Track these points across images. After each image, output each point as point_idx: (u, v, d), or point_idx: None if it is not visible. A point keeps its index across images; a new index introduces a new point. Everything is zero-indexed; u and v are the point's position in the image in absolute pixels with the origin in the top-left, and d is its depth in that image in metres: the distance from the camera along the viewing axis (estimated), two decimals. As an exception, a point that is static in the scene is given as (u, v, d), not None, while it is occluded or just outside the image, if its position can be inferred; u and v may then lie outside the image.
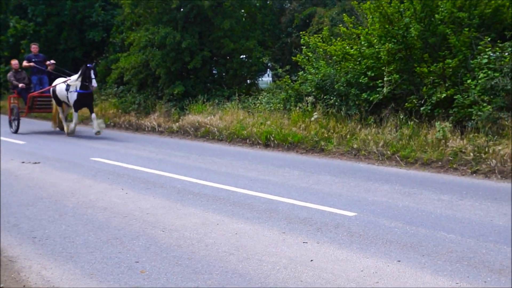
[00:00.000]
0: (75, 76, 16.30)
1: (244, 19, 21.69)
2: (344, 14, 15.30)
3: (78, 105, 16.46)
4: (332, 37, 15.35)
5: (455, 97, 11.40)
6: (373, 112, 13.11)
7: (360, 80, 13.17)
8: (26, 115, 18.78)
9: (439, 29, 12.10)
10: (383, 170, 10.54)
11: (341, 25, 15.77)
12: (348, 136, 12.62)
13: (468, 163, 10.06)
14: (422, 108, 12.00)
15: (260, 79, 24.78)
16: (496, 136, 10.36)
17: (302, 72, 15.35)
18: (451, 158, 10.35)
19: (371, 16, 13.56)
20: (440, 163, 10.45)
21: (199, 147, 13.88)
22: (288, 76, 15.68)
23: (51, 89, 17.43)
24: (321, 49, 14.96)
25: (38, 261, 5.65)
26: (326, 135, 12.98)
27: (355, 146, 12.09)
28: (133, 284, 4.97)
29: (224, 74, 20.62)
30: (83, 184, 9.39)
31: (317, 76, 14.21)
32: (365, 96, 12.99)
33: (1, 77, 28.15)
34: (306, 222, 6.80)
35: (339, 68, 13.94)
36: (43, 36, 26.13)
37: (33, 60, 18.37)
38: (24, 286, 5.04)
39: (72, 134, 16.88)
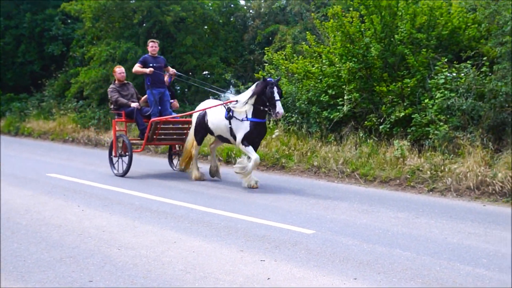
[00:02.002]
0: (242, 97, 10.69)
1: (207, 36, 21.80)
2: (307, 32, 15.45)
3: (250, 139, 10.38)
4: (294, 54, 15.48)
5: (413, 116, 11.58)
6: (333, 130, 13.22)
7: (321, 98, 13.28)
8: (143, 149, 12.75)
9: (399, 49, 12.31)
10: (342, 187, 10.61)
11: (304, 42, 15.90)
12: (308, 154, 12.67)
13: (425, 181, 10.20)
14: (381, 127, 12.14)
15: (222, 95, 24.82)
16: (452, 155, 10.54)
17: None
18: (408, 176, 10.48)
19: (333, 35, 13.73)
20: (398, 181, 10.58)
21: (159, 164, 13.74)
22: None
23: (196, 114, 11.35)
24: (283, 67, 15.06)
25: (-13, 280, 5.48)
26: (287, 152, 13.01)
27: (315, 163, 12.14)
28: (85, 304, 4.87)
29: (186, 90, 20.60)
30: (38, 201, 9.18)
31: (278, 93, 14.25)
32: (326, 114, 13.10)
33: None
34: (264, 240, 6.77)
35: (300, 86, 14.03)
36: (1, 49, 25.72)
37: (151, 65, 11.84)
38: (-29, 306, 4.90)
39: (252, 185, 10.32)
